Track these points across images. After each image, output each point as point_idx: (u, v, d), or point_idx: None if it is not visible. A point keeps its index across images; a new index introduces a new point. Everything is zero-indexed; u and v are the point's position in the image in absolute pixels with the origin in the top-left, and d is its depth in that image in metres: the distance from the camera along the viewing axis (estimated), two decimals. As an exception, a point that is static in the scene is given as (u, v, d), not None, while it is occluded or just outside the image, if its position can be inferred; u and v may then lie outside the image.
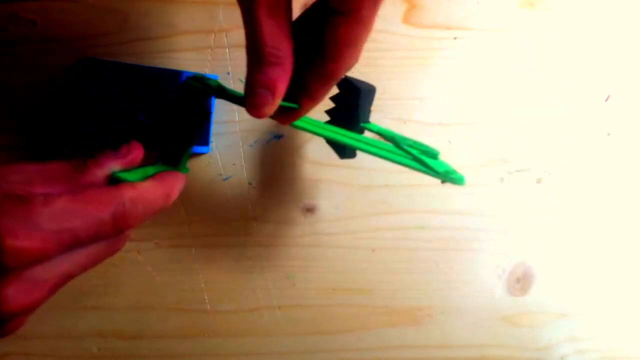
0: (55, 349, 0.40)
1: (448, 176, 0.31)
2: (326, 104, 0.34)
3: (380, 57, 0.42)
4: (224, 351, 0.42)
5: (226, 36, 0.40)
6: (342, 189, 0.42)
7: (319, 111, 0.35)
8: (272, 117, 0.29)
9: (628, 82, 0.44)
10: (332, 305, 0.42)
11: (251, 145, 0.41)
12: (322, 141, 0.33)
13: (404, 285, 0.42)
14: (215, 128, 0.40)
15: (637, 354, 0.44)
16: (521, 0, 0.43)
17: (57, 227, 0.23)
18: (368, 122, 0.36)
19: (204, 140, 0.39)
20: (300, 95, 0.28)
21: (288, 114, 0.29)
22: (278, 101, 0.27)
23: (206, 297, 0.41)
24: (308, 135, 0.40)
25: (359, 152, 0.34)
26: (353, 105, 0.34)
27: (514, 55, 0.43)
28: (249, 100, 0.27)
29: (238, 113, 0.41)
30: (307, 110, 0.29)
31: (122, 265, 0.40)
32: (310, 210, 0.42)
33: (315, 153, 0.42)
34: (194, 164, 0.41)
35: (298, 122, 0.31)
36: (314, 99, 0.28)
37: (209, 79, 0.34)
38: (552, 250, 0.44)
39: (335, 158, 0.36)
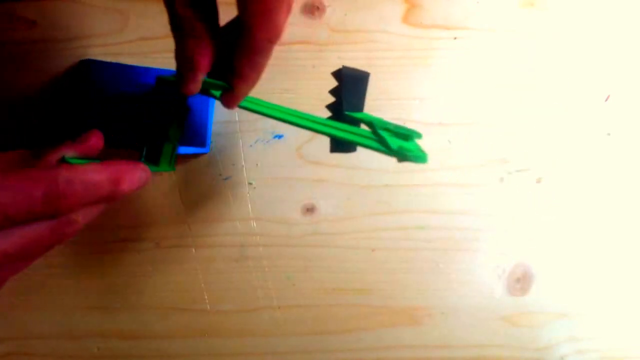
0: (55, 349, 0.40)
1: (402, 153, 0.28)
2: (327, 99, 0.34)
3: (379, 57, 0.42)
4: (224, 351, 0.42)
5: (226, 36, 0.40)
6: (342, 189, 0.42)
7: (321, 108, 0.35)
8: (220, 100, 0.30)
9: (628, 82, 0.44)
10: (331, 305, 0.42)
11: (251, 146, 0.41)
12: (323, 141, 0.33)
13: (403, 285, 0.42)
14: (215, 128, 0.41)
15: (637, 354, 0.44)
16: (521, 0, 0.43)
17: None
18: (360, 111, 0.34)
19: (202, 140, 0.39)
20: (230, 76, 0.29)
21: (228, 96, 0.30)
22: (201, 76, 0.28)
23: (206, 297, 0.41)
24: (308, 135, 0.40)
25: (359, 152, 0.34)
26: (337, 93, 0.33)
27: (514, 55, 0.43)
28: (177, 78, 0.28)
29: (238, 113, 0.41)
30: (243, 92, 0.30)
31: (122, 265, 0.41)
32: (310, 210, 0.42)
33: (315, 153, 0.42)
34: (194, 164, 0.41)
35: (245, 104, 0.31)
36: (243, 77, 0.29)
37: None
38: (551, 250, 0.43)
39: (336, 158, 0.35)
